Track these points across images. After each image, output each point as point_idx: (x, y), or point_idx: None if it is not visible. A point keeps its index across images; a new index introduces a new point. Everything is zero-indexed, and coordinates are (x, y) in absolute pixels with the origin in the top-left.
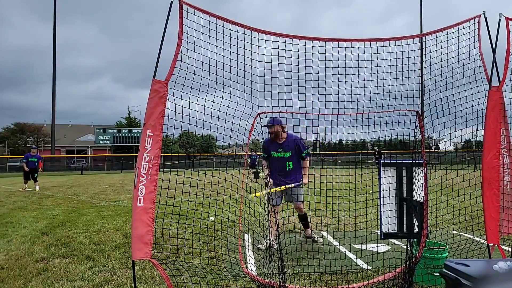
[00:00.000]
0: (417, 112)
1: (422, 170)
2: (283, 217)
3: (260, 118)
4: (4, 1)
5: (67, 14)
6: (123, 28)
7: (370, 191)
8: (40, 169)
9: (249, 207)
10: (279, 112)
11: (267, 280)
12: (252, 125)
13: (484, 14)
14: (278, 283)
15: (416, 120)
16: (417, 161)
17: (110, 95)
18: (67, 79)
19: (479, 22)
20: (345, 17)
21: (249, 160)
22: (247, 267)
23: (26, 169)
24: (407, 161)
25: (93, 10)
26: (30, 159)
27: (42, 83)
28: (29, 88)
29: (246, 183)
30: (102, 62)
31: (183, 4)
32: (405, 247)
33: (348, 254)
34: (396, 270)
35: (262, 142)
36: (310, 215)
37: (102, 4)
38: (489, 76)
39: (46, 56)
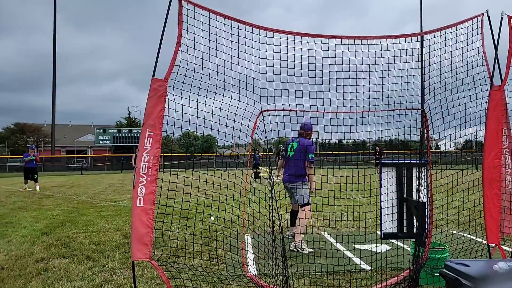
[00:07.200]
0: (423, 110)
1: (427, 170)
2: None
3: (263, 116)
4: (42, 12)
5: (97, 21)
6: (149, 35)
7: (370, 191)
8: (37, 159)
9: (252, 208)
10: (283, 110)
11: (270, 286)
12: (255, 123)
13: (487, 13)
14: (280, 285)
15: (422, 118)
16: (422, 161)
17: (123, 96)
18: (86, 82)
19: (482, 21)
20: (360, 26)
21: (253, 159)
22: (248, 269)
23: (26, 163)
24: (413, 161)
25: (124, 19)
26: (28, 158)
27: (60, 85)
28: (45, 90)
29: (249, 183)
30: (122, 66)
31: (182, 1)
32: (405, 247)
33: (349, 254)
34: (404, 273)
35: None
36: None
37: (135, 14)
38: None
39: (69, 61)
